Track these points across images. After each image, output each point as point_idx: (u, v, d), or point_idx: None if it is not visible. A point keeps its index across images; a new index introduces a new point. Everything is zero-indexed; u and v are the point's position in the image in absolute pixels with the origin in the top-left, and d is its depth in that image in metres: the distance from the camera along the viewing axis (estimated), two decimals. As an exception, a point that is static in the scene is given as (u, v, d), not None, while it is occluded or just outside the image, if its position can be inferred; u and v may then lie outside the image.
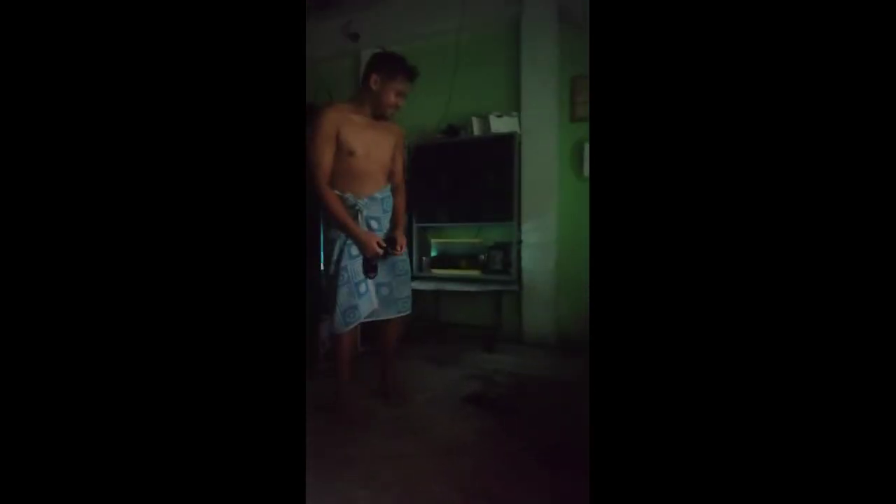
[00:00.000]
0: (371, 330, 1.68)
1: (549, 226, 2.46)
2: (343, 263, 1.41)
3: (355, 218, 1.43)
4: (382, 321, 1.56)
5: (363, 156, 1.44)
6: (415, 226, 2.66)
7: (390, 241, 1.49)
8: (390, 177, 1.56)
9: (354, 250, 1.42)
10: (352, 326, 1.44)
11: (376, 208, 1.50)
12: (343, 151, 1.41)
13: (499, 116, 2.49)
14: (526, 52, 2.46)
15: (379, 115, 1.46)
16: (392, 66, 1.41)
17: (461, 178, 2.54)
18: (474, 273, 2.54)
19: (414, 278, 2.08)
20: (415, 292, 1.71)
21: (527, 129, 2.46)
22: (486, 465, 1.29)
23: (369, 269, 1.45)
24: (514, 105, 2.52)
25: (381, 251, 1.43)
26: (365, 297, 1.45)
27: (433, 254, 2.75)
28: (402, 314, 1.57)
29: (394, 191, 1.57)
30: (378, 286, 1.51)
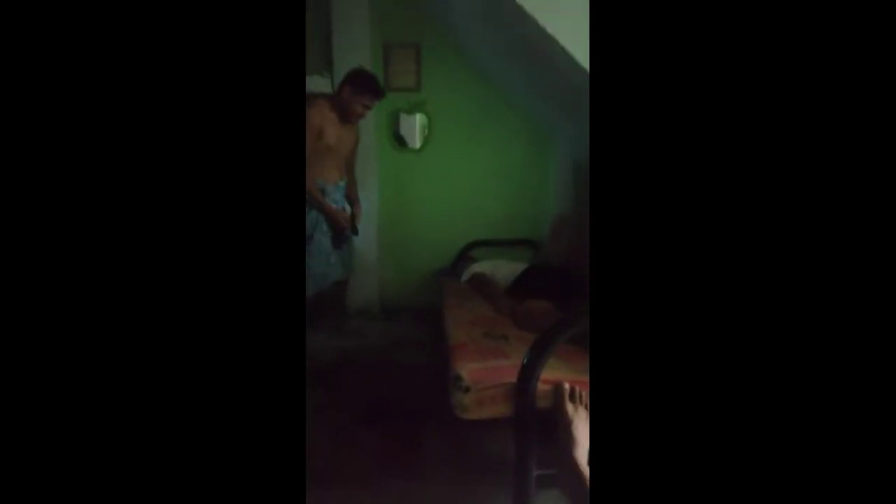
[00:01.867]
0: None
1: (370, 194, 2.41)
2: (316, 237, 1.67)
3: None
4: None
5: (335, 149, 1.71)
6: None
7: (352, 220, 1.80)
8: (347, 169, 1.85)
9: (325, 227, 1.69)
10: (315, 291, 1.71)
11: (338, 195, 1.79)
12: (321, 143, 1.65)
13: (309, 76, 2.28)
14: (337, 10, 2.28)
15: (345, 120, 1.72)
16: (363, 84, 1.67)
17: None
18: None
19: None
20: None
21: (340, 92, 2.34)
22: (315, 440, 1.28)
23: (340, 242, 1.75)
24: (326, 65, 2.33)
25: (347, 225, 1.74)
26: (335, 266, 1.74)
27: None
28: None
29: (349, 180, 1.87)
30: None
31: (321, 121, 1.65)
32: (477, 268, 2.03)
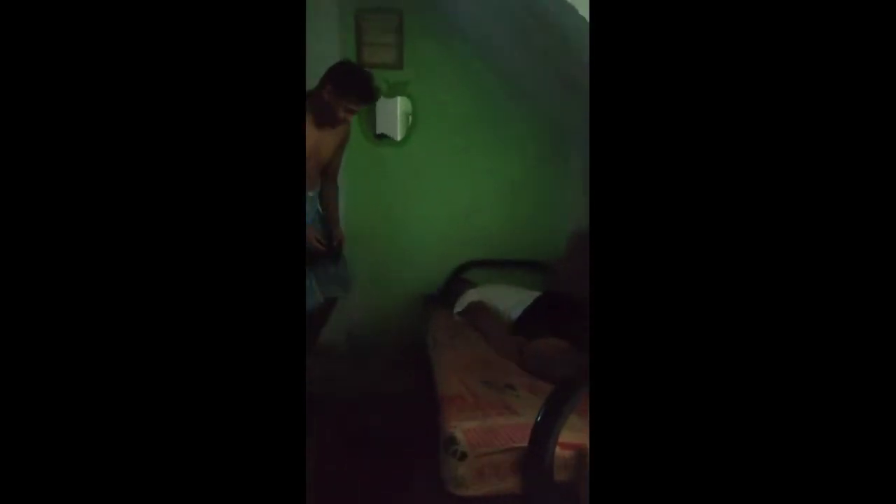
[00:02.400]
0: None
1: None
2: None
3: None
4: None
5: (306, 157, 1.66)
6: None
7: (329, 236, 1.82)
8: (323, 173, 1.86)
9: None
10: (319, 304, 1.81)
11: (309, 207, 1.79)
12: None
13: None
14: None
15: (323, 124, 1.68)
16: (350, 84, 1.63)
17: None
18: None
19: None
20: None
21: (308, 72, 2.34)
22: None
23: (321, 264, 1.79)
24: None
25: (320, 246, 1.74)
26: (333, 279, 1.84)
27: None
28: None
29: (325, 187, 1.88)
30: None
31: None
32: (474, 295, 2.02)
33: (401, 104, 2.39)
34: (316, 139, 1.72)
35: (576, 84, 1.96)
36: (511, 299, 1.93)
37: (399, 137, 2.40)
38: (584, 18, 1.39)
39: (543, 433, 0.95)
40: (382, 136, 2.41)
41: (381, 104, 2.39)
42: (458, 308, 2.02)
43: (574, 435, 0.99)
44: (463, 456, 0.97)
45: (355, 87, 1.65)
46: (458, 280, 2.35)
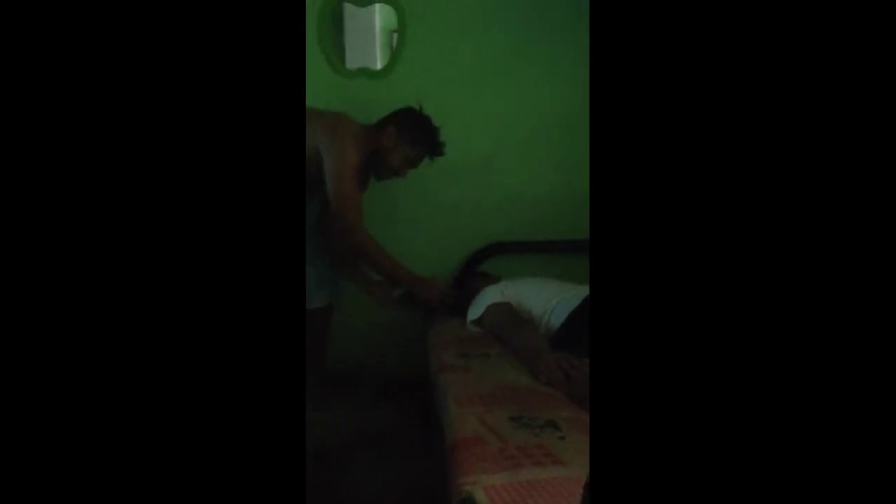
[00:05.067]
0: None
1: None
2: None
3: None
4: None
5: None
6: None
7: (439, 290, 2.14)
8: None
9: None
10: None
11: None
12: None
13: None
14: None
15: (372, 170, 2.00)
16: (419, 132, 1.95)
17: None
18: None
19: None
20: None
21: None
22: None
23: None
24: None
25: (448, 300, 2.09)
26: (317, 281, 2.18)
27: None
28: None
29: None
30: None
31: (362, 151, 1.91)
32: (497, 294, 1.98)
33: (380, 15, 2.23)
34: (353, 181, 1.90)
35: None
36: (551, 299, 1.88)
37: (379, 65, 2.22)
38: None
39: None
40: (355, 66, 2.19)
41: (352, 16, 2.19)
42: (474, 314, 1.96)
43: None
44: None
45: (423, 136, 1.91)
46: (472, 273, 2.29)
